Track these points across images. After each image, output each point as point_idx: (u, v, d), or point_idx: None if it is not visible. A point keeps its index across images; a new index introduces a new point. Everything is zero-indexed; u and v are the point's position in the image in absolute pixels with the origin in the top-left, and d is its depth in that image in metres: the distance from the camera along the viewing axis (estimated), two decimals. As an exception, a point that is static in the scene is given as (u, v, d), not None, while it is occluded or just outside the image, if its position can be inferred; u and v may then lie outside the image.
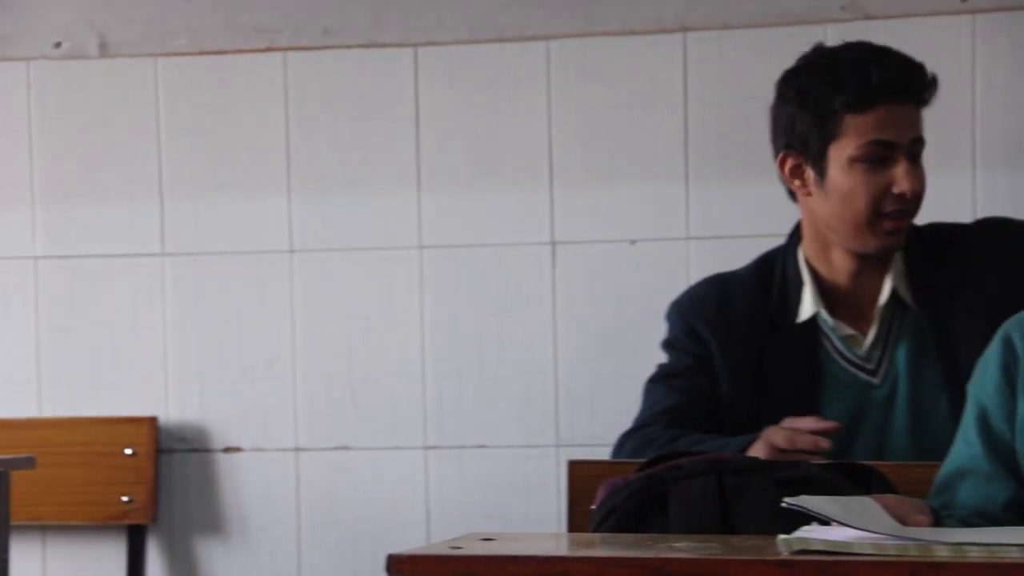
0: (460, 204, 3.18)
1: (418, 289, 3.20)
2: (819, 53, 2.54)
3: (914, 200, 2.49)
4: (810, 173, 2.52)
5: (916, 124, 2.49)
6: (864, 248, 2.51)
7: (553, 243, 3.15)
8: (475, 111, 3.17)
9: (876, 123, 2.45)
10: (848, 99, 2.45)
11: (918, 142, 2.49)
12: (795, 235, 2.62)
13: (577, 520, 2.37)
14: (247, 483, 3.24)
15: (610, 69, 3.11)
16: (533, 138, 3.15)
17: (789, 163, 2.54)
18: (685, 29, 3.09)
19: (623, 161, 3.12)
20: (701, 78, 3.08)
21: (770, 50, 2.88)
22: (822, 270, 2.57)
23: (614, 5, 3.11)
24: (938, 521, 1.96)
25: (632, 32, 3.11)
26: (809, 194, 2.54)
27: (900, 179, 2.46)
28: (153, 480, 3.23)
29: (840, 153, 2.48)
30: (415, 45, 3.18)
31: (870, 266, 2.54)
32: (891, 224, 2.48)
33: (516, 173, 3.16)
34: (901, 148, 2.46)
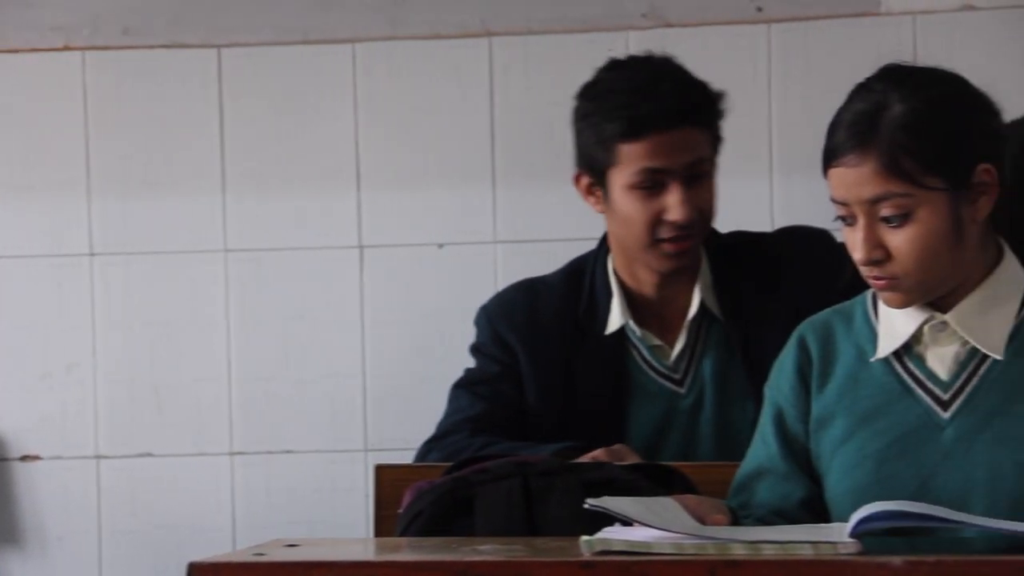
0: (266, 207, 3.15)
1: (223, 293, 3.16)
2: (608, 70, 2.55)
3: (694, 223, 2.50)
4: (600, 192, 2.55)
5: (695, 147, 2.50)
6: (651, 267, 2.55)
7: (361, 247, 3.14)
8: (280, 113, 3.14)
9: (647, 151, 2.47)
10: (618, 129, 2.47)
11: (698, 163, 2.50)
12: (604, 243, 2.65)
13: (384, 525, 2.36)
14: (45, 492, 3.16)
15: (416, 72, 3.11)
16: (339, 141, 3.13)
17: (584, 181, 2.58)
18: (490, 34, 3.11)
19: (430, 165, 3.12)
20: (506, 82, 3.10)
21: (573, 55, 2.91)
22: (629, 281, 2.60)
23: (419, 9, 3.11)
24: (736, 520, 2.00)
25: (438, 36, 3.12)
26: (603, 211, 2.57)
27: (673, 207, 2.48)
28: (-53, 490, 3.14)
29: (618, 178, 2.50)
30: (218, 46, 3.14)
31: (675, 279, 2.57)
32: (671, 247, 2.50)
33: (323, 176, 3.14)
34: (674, 174, 2.48)
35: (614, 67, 2.55)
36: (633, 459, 2.31)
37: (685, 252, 2.51)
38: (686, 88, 2.50)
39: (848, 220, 1.98)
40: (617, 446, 2.35)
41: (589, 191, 2.57)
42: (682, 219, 2.47)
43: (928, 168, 1.93)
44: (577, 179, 2.58)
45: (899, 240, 1.95)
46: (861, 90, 2.00)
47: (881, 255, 1.96)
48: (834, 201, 1.99)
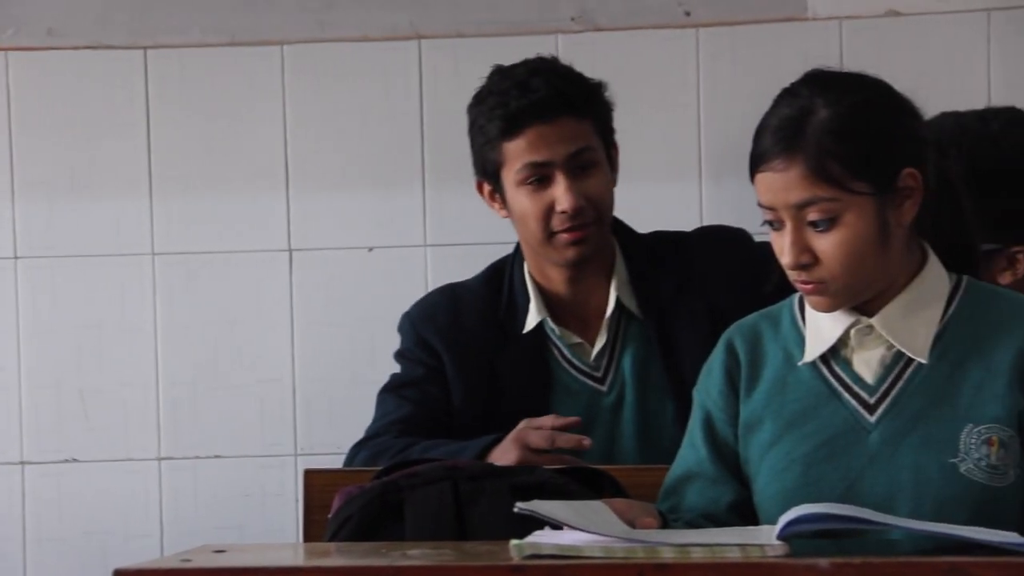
0: (194, 210, 3.13)
1: (151, 296, 3.13)
2: (489, 76, 2.58)
3: (586, 211, 2.51)
4: (499, 197, 2.57)
5: (575, 137, 2.51)
6: (555, 262, 2.57)
7: (290, 250, 3.13)
8: (208, 115, 3.12)
9: (527, 146, 2.50)
10: (498, 128, 2.51)
11: (582, 153, 2.52)
12: (520, 246, 2.66)
13: (313, 530, 2.36)
14: (-31, 499, 3.13)
15: (345, 75, 3.10)
16: (268, 143, 3.12)
17: (485, 188, 2.61)
18: (419, 36, 3.10)
19: (360, 167, 3.11)
20: (436, 85, 3.09)
21: (503, 59, 2.90)
22: (542, 281, 2.61)
23: (348, 11, 3.10)
24: (666, 524, 2.00)
25: (367, 39, 3.11)
26: (507, 215, 2.59)
27: (560, 197, 2.50)
28: None
29: (508, 178, 2.54)
30: (144, 47, 3.12)
31: (587, 275, 2.59)
32: (566, 237, 2.52)
33: (251, 179, 3.12)
34: (557, 166, 2.50)
35: (495, 73, 2.58)
36: (561, 422, 2.33)
37: (582, 241, 2.52)
38: (558, 80, 2.53)
39: (775, 225, 1.99)
40: (546, 418, 2.37)
41: (492, 197, 2.60)
42: (570, 208, 2.49)
43: (854, 172, 1.95)
44: (479, 188, 2.62)
45: (826, 244, 1.96)
46: (786, 95, 2.01)
47: (809, 259, 1.97)
48: (761, 206, 2.00)
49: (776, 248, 2.00)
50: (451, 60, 3.08)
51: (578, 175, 2.51)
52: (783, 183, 1.96)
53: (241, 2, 3.11)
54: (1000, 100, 2.88)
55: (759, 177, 1.99)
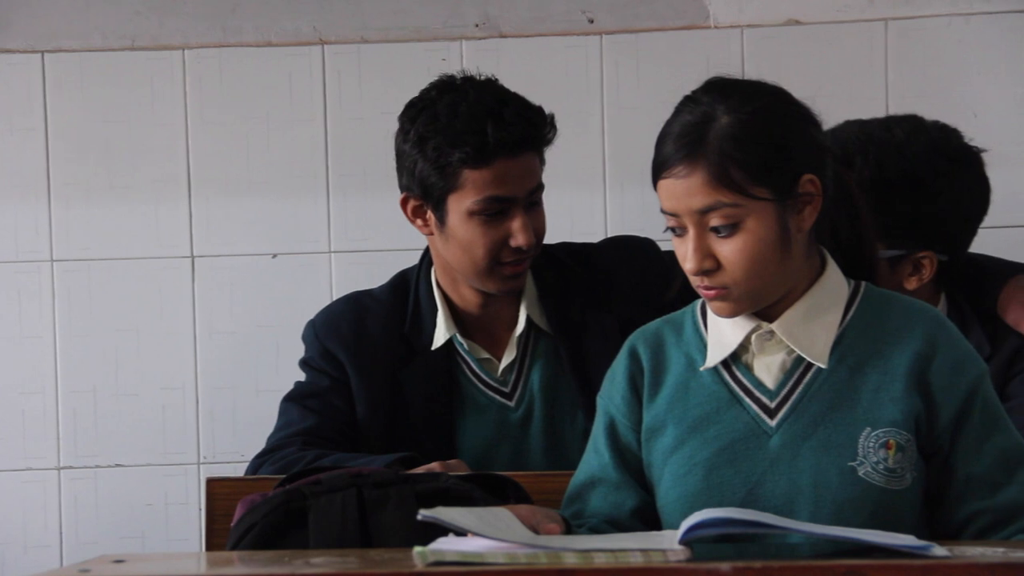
0: (94, 216, 3.09)
1: (49, 303, 3.10)
2: (441, 92, 2.51)
3: (534, 247, 2.51)
4: (432, 216, 2.53)
5: (535, 173, 2.51)
6: (485, 289, 2.56)
7: (192, 256, 3.10)
8: (108, 120, 3.09)
9: (493, 179, 2.46)
10: (465, 155, 2.45)
11: (537, 190, 2.52)
12: (427, 257, 2.64)
13: (216, 539, 2.34)
14: None
15: (248, 80, 3.09)
16: (171, 149, 3.09)
17: (411, 204, 2.55)
18: (323, 42, 3.09)
19: (263, 173, 3.10)
20: (340, 91, 3.08)
21: (407, 64, 2.91)
22: (454, 298, 2.60)
23: (252, 16, 3.08)
24: (570, 529, 2.01)
25: (270, 44, 3.09)
26: (432, 234, 2.56)
27: (517, 233, 2.48)
28: None
29: (459, 204, 2.49)
30: (42, 51, 3.08)
31: (499, 297, 2.58)
32: (510, 270, 2.52)
33: (153, 185, 3.10)
34: (518, 202, 2.49)
35: (447, 91, 2.52)
36: (466, 472, 2.30)
37: (521, 274, 2.53)
38: (529, 113, 2.50)
39: (678, 231, 2.00)
40: (453, 461, 2.35)
41: (417, 213, 2.55)
42: (525, 244, 2.48)
43: (755, 178, 1.96)
44: (404, 201, 2.56)
45: (728, 250, 1.98)
46: (688, 103, 2.02)
47: (711, 265, 1.99)
48: (664, 212, 2.01)
49: (679, 254, 2.02)
50: (355, 65, 3.08)
51: (531, 210, 2.51)
52: (685, 189, 1.97)
53: (143, 6, 3.08)
54: (897, 107, 2.92)
55: (662, 184, 2.00)
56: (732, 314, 2.03)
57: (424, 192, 2.51)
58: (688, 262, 1.99)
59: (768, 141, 1.98)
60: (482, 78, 2.54)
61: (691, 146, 1.97)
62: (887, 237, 2.47)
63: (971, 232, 2.56)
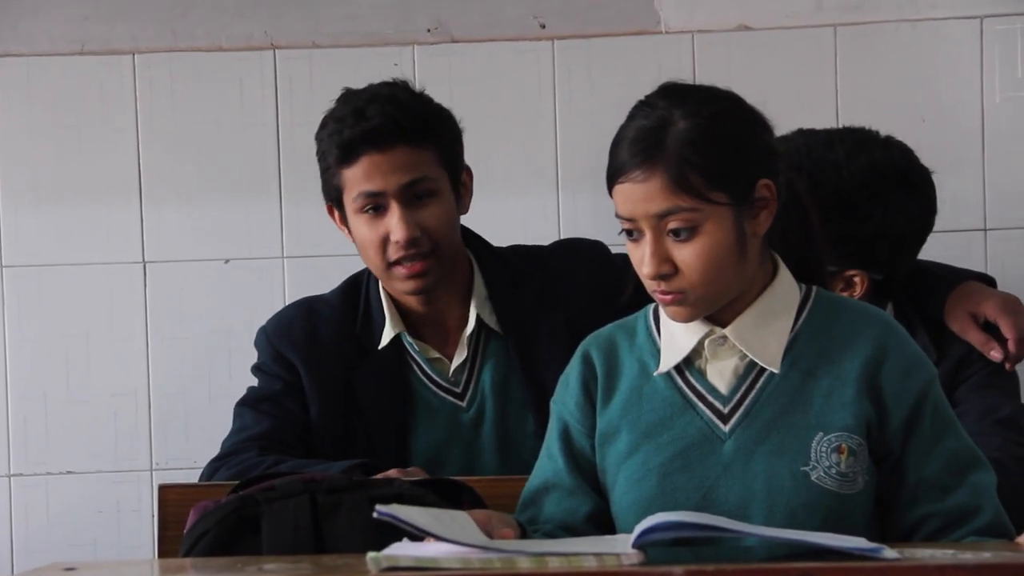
0: (44, 221, 3.08)
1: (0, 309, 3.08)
2: (338, 100, 2.56)
3: (420, 242, 2.50)
4: (345, 223, 2.57)
5: (412, 167, 2.50)
6: (392, 291, 2.56)
7: (144, 262, 3.09)
8: (58, 125, 3.07)
9: (362, 175, 2.49)
10: (334, 156, 2.50)
11: (417, 183, 2.51)
12: (372, 263, 2.65)
13: (168, 545, 2.33)
14: None
15: (199, 85, 3.07)
16: (121, 154, 3.08)
17: (336, 213, 2.59)
18: (274, 47, 3.09)
19: (215, 178, 3.09)
20: (292, 96, 3.08)
21: (359, 69, 2.90)
22: (398, 298, 2.60)
23: (202, 20, 3.07)
24: (525, 534, 2.01)
25: (221, 49, 3.09)
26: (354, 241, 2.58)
27: (393, 227, 2.49)
28: None
29: (348, 205, 2.53)
30: (-11, 56, 3.07)
31: (440, 295, 2.58)
32: (403, 270, 2.51)
33: (104, 190, 3.08)
34: (390, 195, 2.49)
35: (341, 97, 2.57)
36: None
37: (420, 274, 2.51)
38: (396, 109, 2.50)
39: (634, 235, 2.00)
40: (411, 468, 2.35)
41: (342, 222, 2.58)
42: (402, 239, 2.48)
43: (713, 183, 1.97)
44: (330, 212, 2.60)
45: (686, 254, 1.98)
46: (643, 107, 2.03)
47: (669, 269, 1.99)
48: (620, 217, 2.01)
49: (634, 259, 2.02)
50: (306, 70, 3.07)
51: (413, 205, 2.50)
52: (643, 193, 1.97)
53: (92, 10, 3.07)
54: (847, 112, 2.95)
55: (619, 188, 2.00)
56: (688, 318, 2.03)
57: (330, 198, 2.57)
58: (645, 267, 1.99)
59: (725, 146, 1.99)
60: (390, 80, 2.56)
61: (649, 151, 1.97)
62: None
63: (909, 253, 2.57)
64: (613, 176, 2.01)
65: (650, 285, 2.02)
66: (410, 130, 2.49)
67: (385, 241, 2.50)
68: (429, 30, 3.07)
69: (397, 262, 2.50)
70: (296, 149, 3.06)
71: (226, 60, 3.07)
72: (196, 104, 3.08)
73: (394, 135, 2.48)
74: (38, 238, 3.08)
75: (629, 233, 2.01)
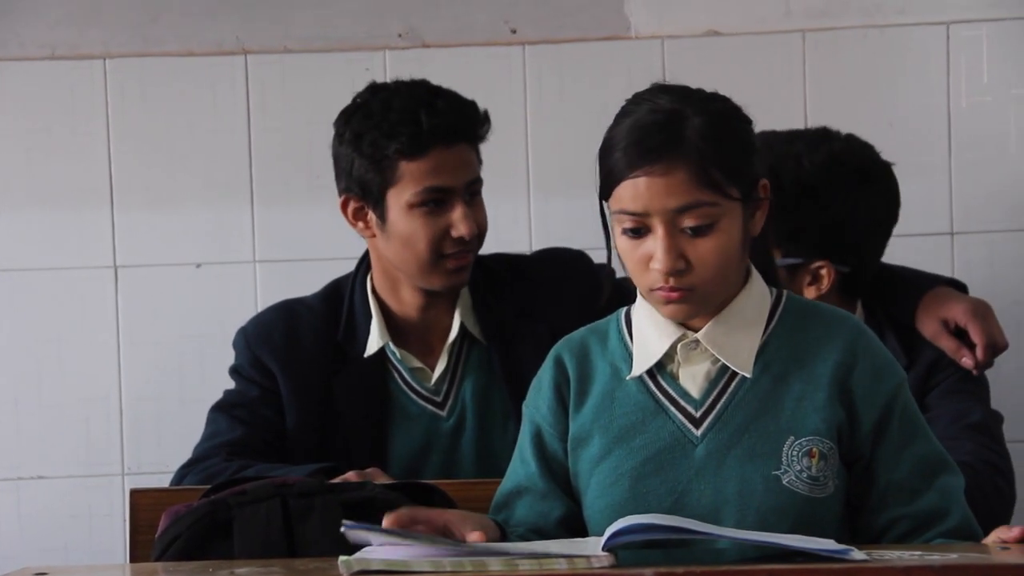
0: (15, 226, 3.07)
1: (-30, 315, 3.07)
2: (373, 92, 2.54)
3: (476, 239, 2.54)
4: (372, 216, 2.54)
5: (472, 165, 2.53)
6: (431, 286, 2.56)
7: (115, 267, 3.08)
8: (29, 130, 3.07)
9: (431, 169, 2.48)
10: (401, 146, 2.47)
11: (475, 182, 2.54)
12: (364, 264, 2.65)
13: (140, 550, 2.33)
14: None
15: (170, 90, 3.07)
16: (91, 158, 3.08)
17: (351, 206, 2.56)
18: (246, 51, 3.09)
19: (186, 183, 3.09)
20: (263, 101, 3.08)
21: (331, 74, 2.91)
22: (391, 304, 2.60)
23: (174, 25, 3.07)
24: (504, 532, 2.01)
25: (192, 53, 3.08)
26: (373, 236, 2.56)
27: (458, 223, 2.50)
28: None
29: (398, 198, 2.50)
30: (-40, 61, 3.07)
31: (438, 301, 2.59)
32: (453, 263, 2.53)
33: (75, 195, 3.08)
34: (457, 192, 2.51)
35: (379, 91, 2.55)
36: (384, 480, 2.30)
37: (465, 268, 2.54)
38: (462, 105, 2.52)
39: (640, 231, 1.96)
40: (369, 469, 2.35)
41: (358, 215, 2.56)
42: (468, 234, 2.50)
43: (730, 178, 1.95)
44: (344, 204, 2.57)
45: (702, 250, 1.95)
46: (643, 103, 1.99)
47: (683, 265, 1.96)
48: (626, 213, 1.96)
49: (634, 257, 1.98)
50: (278, 75, 3.07)
51: (471, 203, 2.52)
52: (664, 187, 1.93)
53: (62, 15, 3.06)
54: (815, 117, 2.96)
55: (631, 182, 1.94)
56: (688, 316, 2.01)
57: (363, 191, 2.52)
58: (659, 262, 1.95)
59: (735, 143, 1.98)
60: (413, 80, 2.57)
61: (668, 144, 1.93)
62: (784, 244, 2.50)
63: (875, 244, 2.59)
64: (623, 170, 1.95)
65: (653, 282, 1.98)
66: (474, 129, 2.52)
67: (442, 236, 2.50)
68: (400, 35, 3.08)
69: (450, 255, 2.51)
70: (268, 153, 3.06)
71: (198, 65, 3.07)
72: (167, 109, 3.07)
73: (463, 131, 2.50)
74: (9, 243, 3.08)
75: (633, 231, 1.96)
